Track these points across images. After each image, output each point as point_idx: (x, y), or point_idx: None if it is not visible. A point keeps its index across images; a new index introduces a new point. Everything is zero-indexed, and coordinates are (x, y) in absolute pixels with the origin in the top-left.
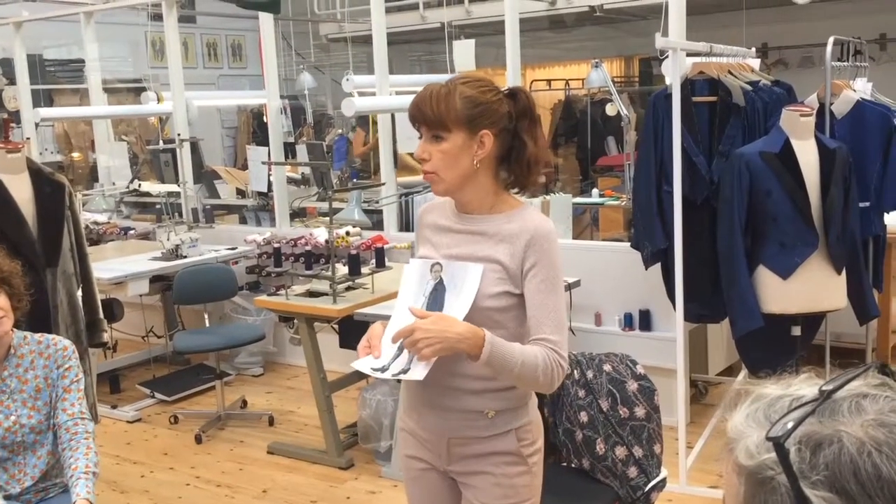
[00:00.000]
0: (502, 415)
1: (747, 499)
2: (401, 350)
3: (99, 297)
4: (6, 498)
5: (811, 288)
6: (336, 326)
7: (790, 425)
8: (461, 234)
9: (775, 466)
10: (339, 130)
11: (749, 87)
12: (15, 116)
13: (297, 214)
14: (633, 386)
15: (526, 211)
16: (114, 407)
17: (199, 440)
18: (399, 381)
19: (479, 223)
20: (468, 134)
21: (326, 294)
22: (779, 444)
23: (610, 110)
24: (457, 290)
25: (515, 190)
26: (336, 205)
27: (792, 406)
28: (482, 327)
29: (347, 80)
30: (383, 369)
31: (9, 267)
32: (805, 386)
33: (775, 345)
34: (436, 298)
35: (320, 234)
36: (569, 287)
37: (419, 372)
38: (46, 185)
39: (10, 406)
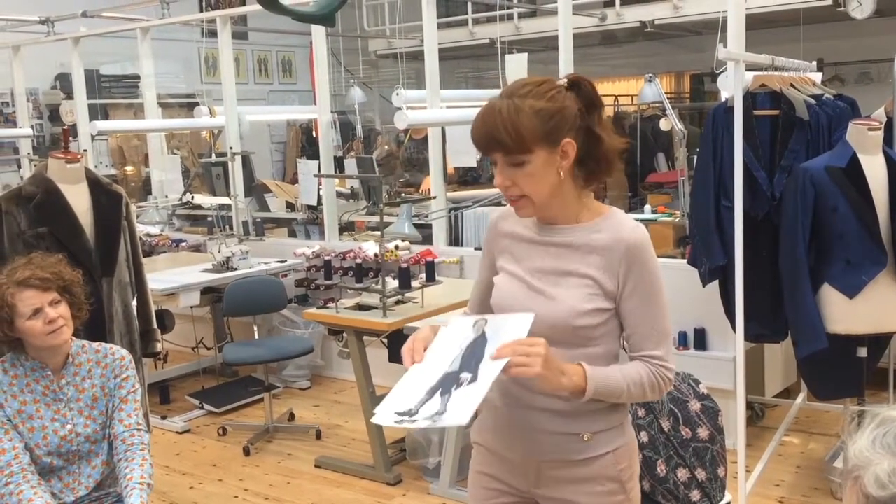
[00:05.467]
0: (599, 436)
1: None
2: (431, 395)
3: (153, 307)
4: None
5: (879, 308)
6: (385, 340)
7: None
8: (545, 245)
9: None
10: (386, 146)
11: (812, 101)
12: (72, 130)
13: (346, 228)
14: (695, 406)
15: (614, 218)
16: (163, 417)
17: (247, 452)
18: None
19: (566, 234)
20: (550, 148)
21: (376, 308)
22: None
23: (664, 125)
24: (499, 340)
25: (593, 185)
26: (385, 219)
27: None
28: (576, 347)
29: (398, 94)
30: (410, 414)
31: (70, 276)
32: None
33: (840, 367)
34: (474, 351)
35: (369, 248)
36: None
37: (462, 416)
38: (104, 196)
39: (66, 415)
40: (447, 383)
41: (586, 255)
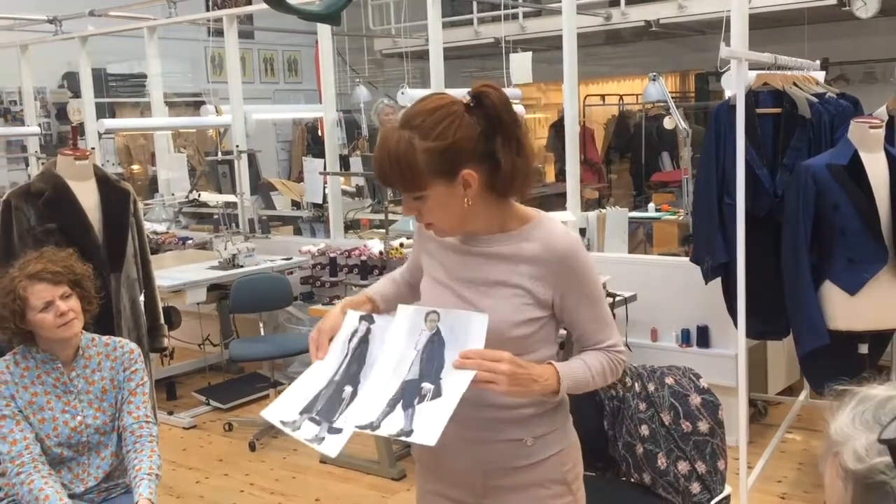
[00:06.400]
0: (543, 440)
1: (856, 502)
2: (392, 406)
3: (160, 303)
4: (70, 497)
5: (880, 304)
6: None
7: None
8: (472, 255)
9: (888, 470)
10: None
11: (815, 99)
12: (80, 128)
13: (351, 226)
14: (696, 400)
15: (543, 226)
16: (170, 413)
17: (252, 448)
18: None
19: (492, 244)
20: (447, 181)
21: None
22: (894, 448)
23: (668, 124)
24: (458, 345)
25: (512, 198)
26: (390, 216)
27: None
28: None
29: (402, 93)
30: (372, 426)
31: (81, 270)
32: None
33: (841, 363)
34: (431, 354)
35: (374, 246)
36: (625, 301)
37: (430, 436)
38: (112, 192)
39: (76, 406)
40: (409, 395)
41: (516, 264)
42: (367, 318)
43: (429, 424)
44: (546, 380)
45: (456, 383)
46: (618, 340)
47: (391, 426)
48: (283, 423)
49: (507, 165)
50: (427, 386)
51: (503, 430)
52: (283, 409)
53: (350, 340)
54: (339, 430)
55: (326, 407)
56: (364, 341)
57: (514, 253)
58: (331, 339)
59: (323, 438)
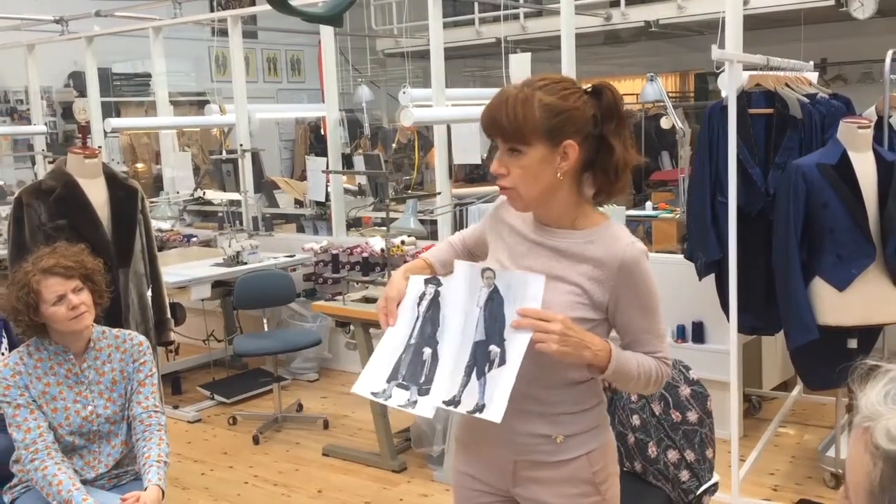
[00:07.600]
0: (572, 439)
1: (884, 482)
2: (469, 374)
3: (167, 298)
4: (82, 483)
5: (868, 300)
6: None
7: None
8: (538, 246)
9: None
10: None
11: (806, 100)
12: (88, 127)
13: (353, 224)
14: (685, 391)
15: (609, 231)
16: (175, 407)
17: (256, 441)
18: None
19: (559, 238)
20: (550, 145)
21: None
22: None
23: (665, 123)
24: (516, 302)
25: (601, 198)
26: (391, 214)
27: None
28: None
29: (404, 92)
30: (455, 402)
31: (92, 265)
32: None
33: (831, 357)
34: (492, 312)
35: (376, 243)
36: None
37: (496, 412)
38: (120, 190)
39: (87, 396)
40: (481, 359)
41: (577, 263)
42: (434, 281)
43: (496, 399)
44: (599, 350)
45: (517, 347)
46: (666, 351)
47: (469, 401)
48: (374, 394)
49: (620, 153)
50: (494, 349)
51: (536, 424)
52: (370, 380)
53: (419, 304)
54: (428, 391)
55: (410, 371)
56: (435, 303)
57: (578, 252)
58: (398, 306)
59: (415, 402)
